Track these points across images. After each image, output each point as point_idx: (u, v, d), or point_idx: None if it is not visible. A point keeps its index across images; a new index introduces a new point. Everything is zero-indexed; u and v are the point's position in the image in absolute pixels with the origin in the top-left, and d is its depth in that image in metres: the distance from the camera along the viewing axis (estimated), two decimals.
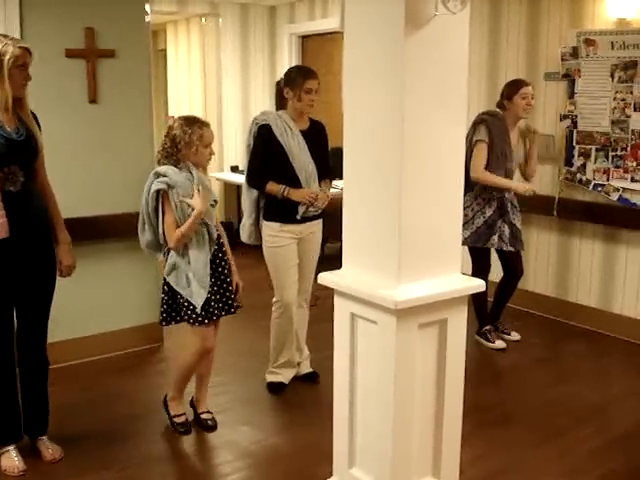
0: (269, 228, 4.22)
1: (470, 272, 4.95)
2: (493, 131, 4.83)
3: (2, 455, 3.47)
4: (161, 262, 3.75)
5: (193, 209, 3.56)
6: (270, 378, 4.41)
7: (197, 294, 3.61)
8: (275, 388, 4.36)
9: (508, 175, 4.94)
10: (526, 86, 4.90)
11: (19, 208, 3.22)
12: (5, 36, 3.28)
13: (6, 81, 3.13)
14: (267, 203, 4.25)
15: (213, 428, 3.90)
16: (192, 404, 3.99)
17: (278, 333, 4.34)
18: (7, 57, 3.11)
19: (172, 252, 3.64)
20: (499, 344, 5.13)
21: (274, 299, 4.32)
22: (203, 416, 3.94)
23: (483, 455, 3.61)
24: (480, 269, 4.97)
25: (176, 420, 3.89)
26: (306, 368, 4.53)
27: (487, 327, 5.17)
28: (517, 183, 5.06)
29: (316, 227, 4.34)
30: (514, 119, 4.95)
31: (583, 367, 4.87)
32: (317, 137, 4.29)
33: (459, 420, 2.90)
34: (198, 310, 3.62)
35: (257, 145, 4.21)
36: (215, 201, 3.79)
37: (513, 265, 5.12)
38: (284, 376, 4.40)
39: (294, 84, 4.14)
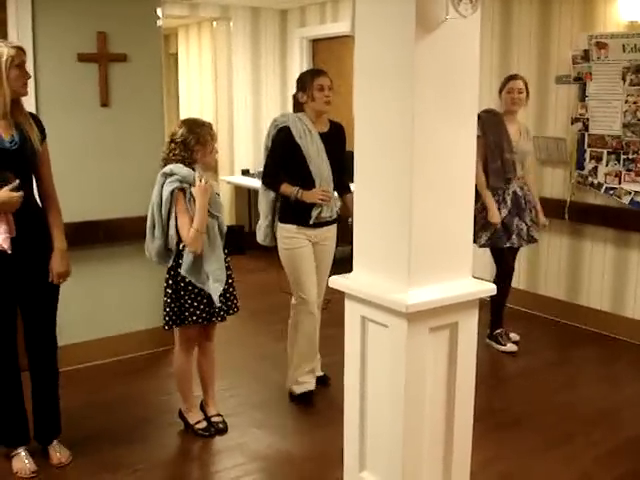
0: (285, 230, 4.17)
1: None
2: (486, 125, 4.83)
3: (13, 458, 3.49)
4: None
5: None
6: (299, 389, 4.26)
7: (213, 288, 3.62)
8: (307, 398, 4.24)
9: (505, 166, 4.88)
10: (512, 80, 4.96)
11: (17, 214, 3.21)
12: None
13: (4, 83, 3.15)
14: (283, 205, 4.22)
15: (224, 431, 3.91)
16: (202, 408, 4.00)
17: (303, 337, 4.21)
18: (4, 58, 3.13)
19: (187, 250, 3.60)
20: (510, 347, 5.13)
21: (293, 301, 4.24)
22: (214, 419, 3.94)
23: (493, 459, 3.60)
24: (504, 271, 5.00)
25: (197, 426, 3.89)
26: (317, 371, 4.48)
27: (499, 330, 5.16)
28: (493, 208, 4.84)
29: (331, 232, 4.29)
30: (508, 113, 4.98)
31: (594, 371, 4.85)
32: (336, 140, 4.24)
33: (470, 424, 2.90)
34: (217, 304, 3.63)
35: (275, 147, 4.19)
36: (217, 194, 3.78)
37: (507, 262, 5.10)
38: (310, 383, 4.29)
39: (305, 85, 4.13)
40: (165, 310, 3.69)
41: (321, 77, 4.13)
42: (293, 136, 4.10)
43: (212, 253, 3.65)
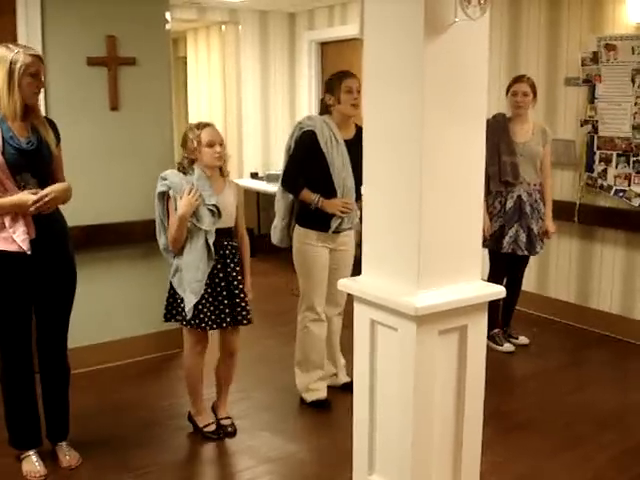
0: (304, 235, 4.10)
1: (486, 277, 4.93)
2: (487, 129, 4.80)
3: (23, 460, 3.49)
4: None
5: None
6: (310, 397, 4.24)
7: (187, 299, 3.61)
8: (322, 405, 4.20)
9: (502, 169, 4.85)
10: (517, 83, 4.94)
11: (36, 216, 3.21)
12: (16, 44, 3.31)
13: (16, 90, 3.15)
14: (303, 209, 4.13)
15: (233, 434, 3.90)
16: (213, 410, 4.00)
17: (312, 344, 4.17)
18: (18, 65, 3.12)
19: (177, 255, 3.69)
20: (507, 347, 5.14)
21: (303, 308, 4.18)
22: (223, 422, 3.94)
23: (503, 462, 3.59)
24: (495, 274, 4.97)
25: (206, 430, 3.88)
26: (344, 378, 4.41)
27: (495, 330, 5.14)
28: (485, 221, 4.74)
29: (349, 237, 4.22)
30: (514, 115, 4.96)
31: (604, 374, 4.83)
32: (361, 147, 4.14)
33: (479, 427, 2.89)
34: (188, 315, 3.62)
35: (298, 150, 4.08)
36: (215, 207, 3.62)
37: (518, 270, 5.14)
38: (322, 391, 4.26)
39: (333, 87, 4.03)
40: (165, 302, 3.77)
41: (349, 79, 4.02)
42: (318, 142, 3.99)
43: (192, 264, 3.61)
